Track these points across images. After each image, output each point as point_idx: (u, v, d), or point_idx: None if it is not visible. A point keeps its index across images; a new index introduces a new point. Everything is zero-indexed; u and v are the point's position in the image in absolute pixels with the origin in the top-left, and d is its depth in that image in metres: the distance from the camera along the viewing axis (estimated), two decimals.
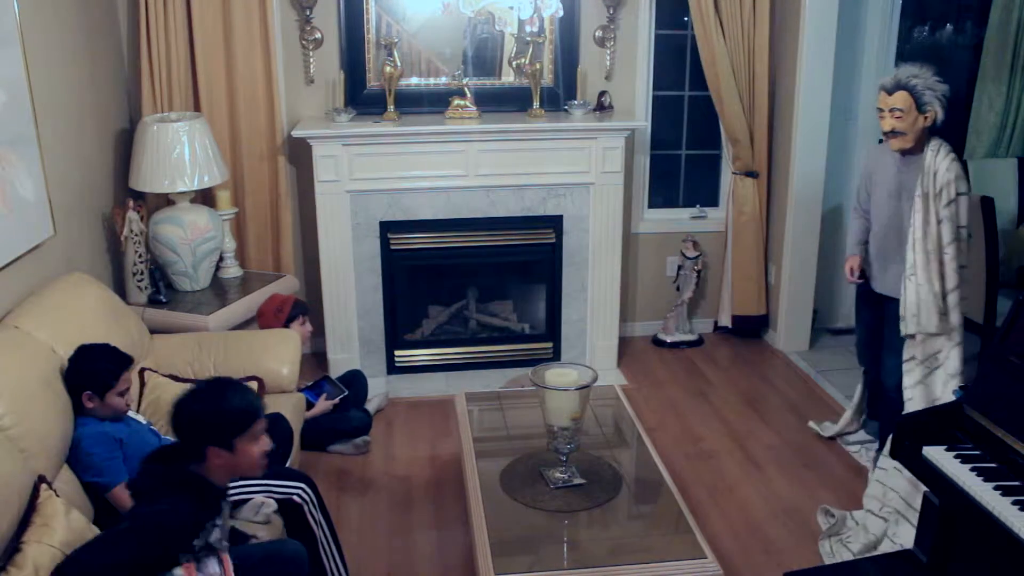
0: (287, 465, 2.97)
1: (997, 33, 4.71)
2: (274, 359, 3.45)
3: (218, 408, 2.11)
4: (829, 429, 4.02)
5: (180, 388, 3.13)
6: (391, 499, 3.59)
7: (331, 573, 2.75)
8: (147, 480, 2.12)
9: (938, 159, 3.20)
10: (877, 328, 3.54)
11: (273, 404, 3.24)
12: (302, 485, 2.70)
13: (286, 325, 3.86)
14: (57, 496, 2.30)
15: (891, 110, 3.21)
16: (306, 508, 2.68)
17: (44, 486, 2.29)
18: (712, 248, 5.04)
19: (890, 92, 3.21)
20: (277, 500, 2.66)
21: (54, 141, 3.24)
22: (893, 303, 3.32)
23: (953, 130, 5.01)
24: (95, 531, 2.31)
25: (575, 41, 4.56)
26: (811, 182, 4.69)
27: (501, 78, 4.58)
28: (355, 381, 4.05)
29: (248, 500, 2.64)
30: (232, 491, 2.63)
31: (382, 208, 4.32)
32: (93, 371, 2.57)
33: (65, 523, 2.23)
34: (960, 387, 2.60)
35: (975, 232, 4.14)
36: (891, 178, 3.34)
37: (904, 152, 3.28)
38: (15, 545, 2.14)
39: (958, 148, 4.90)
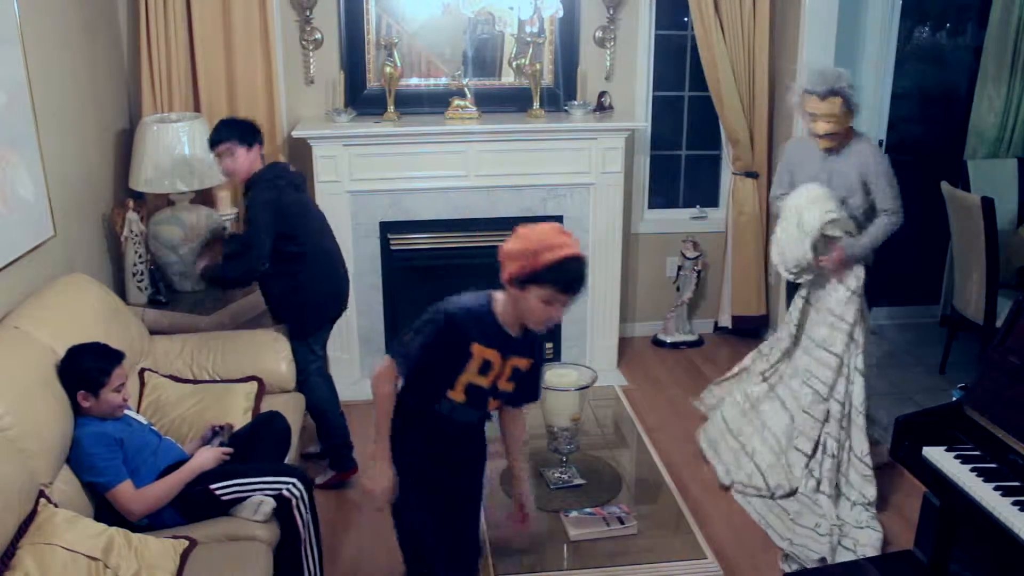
0: (284, 462, 2.96)
1: (997, 34, 4.72)
2: (272, 358, 3.45)
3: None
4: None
5: (180, 388, 3.15)
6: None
7: (308, 573, 2.74)
8: None
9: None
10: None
11: (272, 403, 3.25)
12: (294, 480, 2.68)
13: None
14: (56, 507, 2.30)
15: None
16: (294, 503, 2.66)
17: (43, 500, 2.29)
18: (712, 248, 5.03)
19: (822, 98, 3.31)
20: (268, 494, 2.64)
21: (54, 141, 3.24)
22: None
23: (953, 130, 5.03)
24: (94, 535, 2.31)
25: (575, 41, 4.56)
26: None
27: (501, 78, 4.58)
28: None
29: (247, 499, 2.64)
30: (230, 490, 2.64)
31: (382, 208, 4.32)
32: (84, 371, 2.56)
33: (63, 527, 2.23)
34: (960, 387, 2.60)
35: (976, 232, 4.15)
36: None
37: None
38: (12, 548, 2.14)
39: (958, 148, 4.93)
